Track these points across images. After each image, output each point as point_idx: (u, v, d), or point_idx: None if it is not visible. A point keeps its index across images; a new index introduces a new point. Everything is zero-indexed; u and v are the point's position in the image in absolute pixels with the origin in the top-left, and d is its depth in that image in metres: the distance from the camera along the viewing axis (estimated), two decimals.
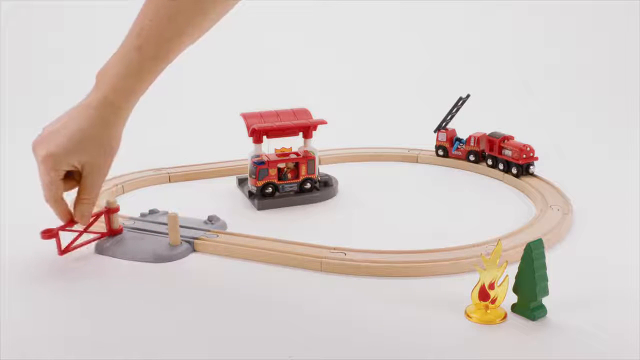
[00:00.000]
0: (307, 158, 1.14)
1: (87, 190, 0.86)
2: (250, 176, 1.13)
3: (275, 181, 1.12)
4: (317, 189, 1.16)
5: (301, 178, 1.14)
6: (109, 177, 1.20)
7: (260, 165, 1.11)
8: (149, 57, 0.83)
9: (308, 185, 1.15)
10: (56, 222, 0.89)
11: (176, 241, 0.93)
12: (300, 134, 1.16)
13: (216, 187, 1.22)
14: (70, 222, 0.90)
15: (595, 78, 1.88)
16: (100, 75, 0.85)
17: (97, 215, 0.95)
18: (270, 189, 1.12)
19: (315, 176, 1.15)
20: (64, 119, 0.85)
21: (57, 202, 0.86)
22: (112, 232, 0.96)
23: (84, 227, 0.93)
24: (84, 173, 0.85)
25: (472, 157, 1.31)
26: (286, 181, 1.13)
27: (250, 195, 1.14)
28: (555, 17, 2.04)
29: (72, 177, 0.87)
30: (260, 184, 1.11)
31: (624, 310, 0.77)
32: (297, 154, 1.15)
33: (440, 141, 1.36)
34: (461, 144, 1.33)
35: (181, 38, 0.84)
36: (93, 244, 0.95)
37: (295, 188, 1.14)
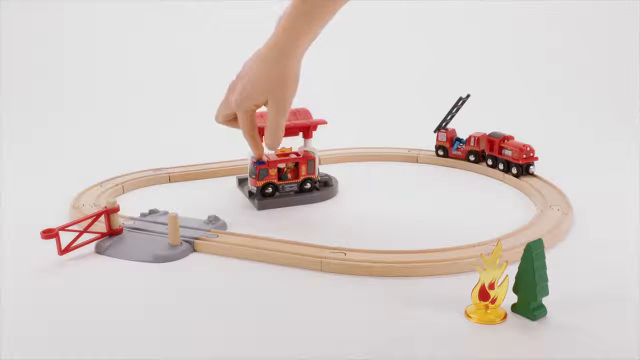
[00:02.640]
0: (307, 158, 1.14)
1: (271, 121, 0.96)
2: (250, 176, 1.13)
3: (275, 181, 1.12)
4: (317, 189, 1.16)
5: (301, 178, 1.14)
6: (108, 177, 1.22)
7: (260, 165, 1.11)
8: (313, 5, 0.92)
9: (308, 185, 1.15)
10: (56, 222, 0.89)
11: (176, 241, 0.93)
12: (300, 134, 1.16)
13: (216, 187, 1.22)
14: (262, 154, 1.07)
15: (595, 78, 1.88)
16: (278, 18, 0.95)
17: (97, 215, 0.95)
18: (270, 189, 1.12)
19: (315, 176, 1.15)
20: (248, 64, 0.96)
21: (252, 138, 1.02)
22: (112, 232, 0.96)
23: (85, 224, 0.93)
24: (268, 107, 0.95)
25: (472, 157, 1.31)
26: (286, 181, 1.13)
27: (250, 195, 1.14)
28: (556, 16, 2.04)
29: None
30: (260, 184, 1.11)
31: (624, 310, 0.77)
32: (297, 154, 1.15)
33: (440, 141, 1.36)
34: (461, 144, 1.33)
35: None
36: (93, 244, 0.95)
37: (295, 188, 1.14)
